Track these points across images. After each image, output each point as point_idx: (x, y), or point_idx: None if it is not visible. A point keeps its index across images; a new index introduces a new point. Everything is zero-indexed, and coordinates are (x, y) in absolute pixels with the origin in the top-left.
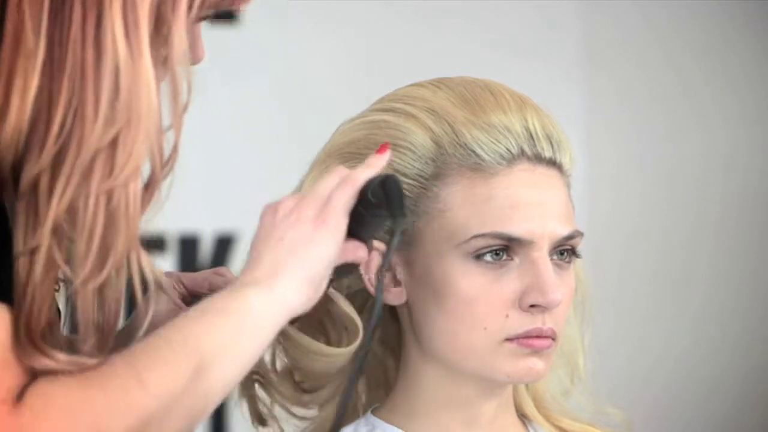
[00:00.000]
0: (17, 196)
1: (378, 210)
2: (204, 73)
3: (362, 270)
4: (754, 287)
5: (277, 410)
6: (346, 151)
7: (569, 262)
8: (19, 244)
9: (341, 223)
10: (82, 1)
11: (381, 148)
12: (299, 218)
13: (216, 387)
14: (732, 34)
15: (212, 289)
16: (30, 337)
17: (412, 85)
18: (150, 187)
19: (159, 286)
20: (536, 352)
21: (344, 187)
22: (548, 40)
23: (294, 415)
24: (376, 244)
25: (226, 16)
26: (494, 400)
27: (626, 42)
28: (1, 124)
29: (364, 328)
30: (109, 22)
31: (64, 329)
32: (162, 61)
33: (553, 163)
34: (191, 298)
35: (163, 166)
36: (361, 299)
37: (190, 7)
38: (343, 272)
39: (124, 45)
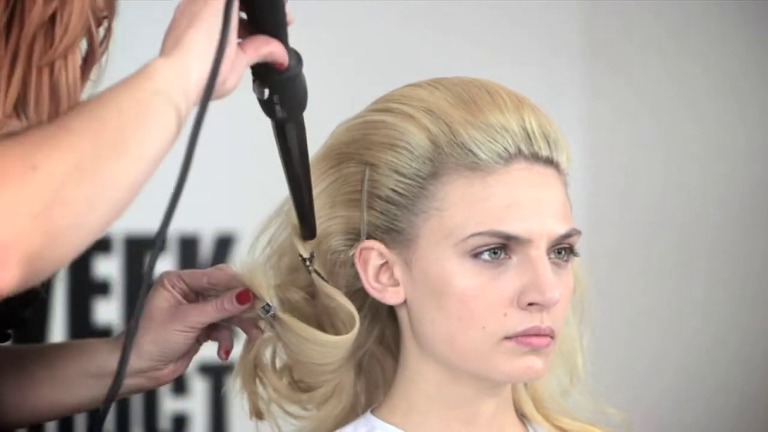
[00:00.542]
0: None
1: None
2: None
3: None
4: (754, 287)
5: (274, 408)
6: (343, 152)
7: (567, 260)
8: None
9: None
10: None
11: None
12: None
13: (124, 164)
14: (732, 34)
15: (212, 284)
16: None
17: (409, 85)
18: (88, 61)
19: (158, 283)
20: (535, 350)
21: None
22: (548, 39)
23: (290, 414)
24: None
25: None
26: (493, 400)
27: (626, 41)
28: None
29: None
30: None
31: None
32: None
33: (550, 162)
34: (192, 294)
35: (99, 44)
36: (361, 299)
37: None
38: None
39: None
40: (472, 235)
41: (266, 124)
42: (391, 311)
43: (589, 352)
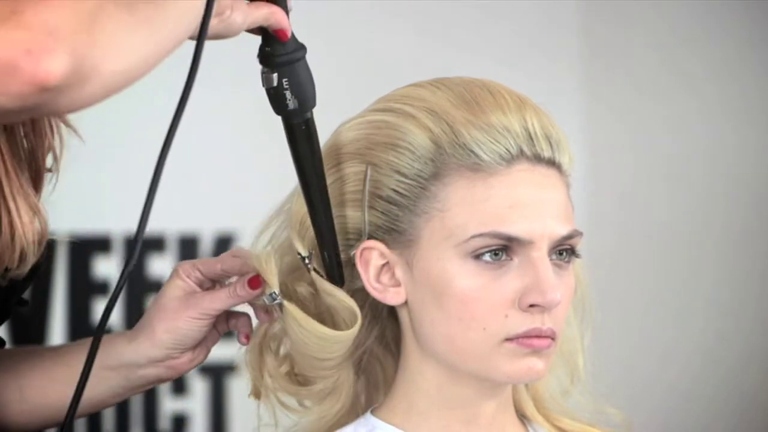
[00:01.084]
0: None
1: None
2: (203, 74)
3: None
4: (756, 287)
5: (272, 399)
6: (345, 152)
7: (569, 261)
8: None
9: None
10: None
11: None
12: None
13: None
14: (733, 33)
15: (225, 271)
16: None
17: (411, 85)
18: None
19: (174, 273)
20: (536, 351)
21: None
22: (548, 39)
23: (284, 405)
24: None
25: None
26: (494, 400)
27: (626, 41)
28: None
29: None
30: None
31: None
32: None
33: (552, 163)
34: (209, 282)
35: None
36: (361, 299)
37: None
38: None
39: None
40: (474, 236)
41: (266, 124)
42: (391, 311)
43: (589, 352)
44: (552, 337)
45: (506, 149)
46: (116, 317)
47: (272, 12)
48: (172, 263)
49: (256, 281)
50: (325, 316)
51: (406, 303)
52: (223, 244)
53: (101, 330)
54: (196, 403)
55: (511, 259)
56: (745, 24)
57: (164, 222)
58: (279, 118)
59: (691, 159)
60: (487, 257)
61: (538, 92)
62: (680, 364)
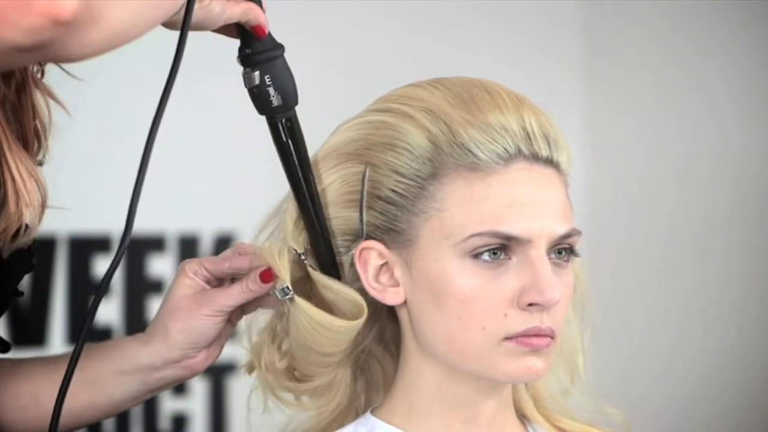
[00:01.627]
0: None
1: None
2: (203, 74)
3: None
4: (756, 287)
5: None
6: (343, 152)
7: (567, 260)
8: None
9: None
10: None
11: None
12: None
13: None
14: (733, 33)
15: (234, 270)
16: None
17: (409, 85)
18: None
19: (180, 272)
20: (535, 351)
21: None
22: (548, 39)
23: (280, 399)
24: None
25: None
26: (493, 400)
27: (626, 41)
28: None
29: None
30: None
31: None
32: None
33: (550, 162)
34: (216, 281)
35: None
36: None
37: None
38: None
39: None
40: (472, 236)
41: (265, 124)
42: (390, 311)
43: (590, 352)
44: (551, 335)
45: (504, 148)
46: (116, 317)
47: (250, 7)
48: (172, 263)
49: (268, 275)
50: (326, 311)
51: (405, 303)
52: (223, 244)
53: (87, 328)
54: (196, 403)
55: (510, 259)
56: (746, 24)
57: (164, 222)
58: None
59: (693, 158)
60: (485, 256)
61: (539, 92)
62: (683, 364)
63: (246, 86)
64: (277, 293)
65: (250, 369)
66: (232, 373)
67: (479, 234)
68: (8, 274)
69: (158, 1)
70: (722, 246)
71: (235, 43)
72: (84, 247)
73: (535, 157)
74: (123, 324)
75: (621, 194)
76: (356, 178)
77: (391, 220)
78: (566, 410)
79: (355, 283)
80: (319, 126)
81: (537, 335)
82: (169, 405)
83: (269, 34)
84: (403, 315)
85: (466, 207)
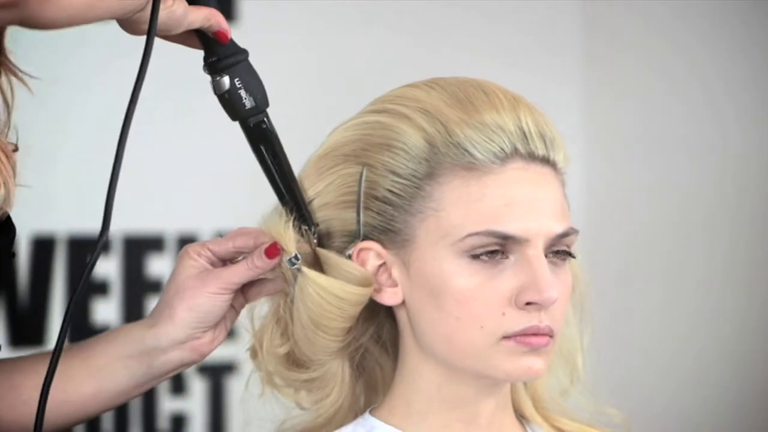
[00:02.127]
0: None
1: None
2: (202, 74)
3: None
4: (755, 287)
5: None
6: (341, 153)
7: (564, 259)
8: None
9: None
10: None
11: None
12: None
13: None
14: (733, 34)
15: (238, 248)
16: None
17: (406, 85)
18: None
19: (183, 254)
20: (534, 350)
21: None
22: (548, 39)
23: (277, 387)
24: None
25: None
26: (492, 400)
27: (628, 41)
28: None
29: None
30: None
31: None
32: None
33: (546, 161)
34: (219, 262)
35: None
36: None
37: None
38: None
39: None
40: (469, 235)
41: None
42: (389, 311)
43: (590, 352)
44: (550, 334)
45: (500, 148)
46: (116, 318)
47: (212, 13)
48: (171, 263)
49: (274, 250)
50: None
51: (403, 303)
52: None
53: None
54: (194, 403)
55: (507, 258)
56: (746, 25)
57: (163, 222)
58: (278, 120)
59: (693, 158)
60: (483, 256)
61: (538, 92)
62: (679, 363)
63: (216, 93)
64: (285, 264)
65: (254, 353)
66: (231, 373)
67: (476, 233)
68: None
69: None
70: (725, 244)
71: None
72: (83, 247)
73: (532, 157)
74: (122, 324)
75: (621, 194)
76: (353, 179)
77: (388, 221)
78: (565, 410)
79: None
80: (320, 126)
81: (535, 334)
82: (168, 405)
83: (231, 39)
84: (401, 315)
85: (462, 207)
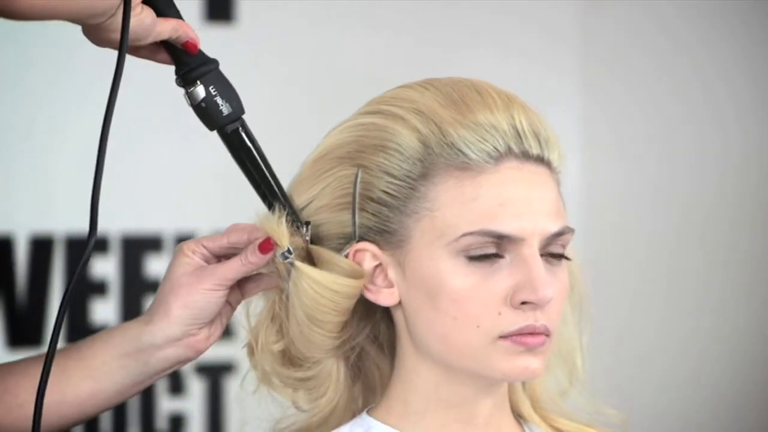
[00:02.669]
0: None
1: None
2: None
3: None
4: (755, 287)
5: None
6: (336, 156)
7: (560, 258)
8: None
9: None
10: None
11: None
12: None
13: None
14: (732, 35)
15: (232, 244)
16: None
17: (400, 86)
18: None
19: (178, 252)
20: (531, 349)
21: None
22: (546, 39)
23: (274, 385)
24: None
25: (223, 16)
26: (490, 399)
27: (625, 42)
28: None
29: None
30: None
31: None
32: None
33: (541, 160)
34: (214, 259)
35: None
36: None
37: None
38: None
39: None
40: (464, 235)
41: (263, 124)
42: (385, 312)
43: (588, 352)
44: (546, 333)
45: (494, 147)
46: (114, 318)
47: (179, 23)
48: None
49: (267, 245)
50: None
51: (400, 304)
52: None
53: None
54: (193, 402)
55: (503, 257)
56: (744, 25)
57: (161, 222)
58: (277, 120)
59: (689, 160)
60: (478, 256)
61: (536, 93)
62: (678, 363)
63: (192, 104)
64: (278, 258)
65: (250, 351)
66: (229, 373)
67: (471, 233)
68: None
69: None
70: (725, 244)
71: (235, 41)
72: (81, 248)
73: (526, 156)
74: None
75: (617, 194)
76: (348, 181)
77: (383, 222)
78: (564, 410)
79: None
80: (319, 126)
81: (531, 333)
82: (166, 405)
83: (200, 49)
84: (398, 316)
85: (457, 207)
